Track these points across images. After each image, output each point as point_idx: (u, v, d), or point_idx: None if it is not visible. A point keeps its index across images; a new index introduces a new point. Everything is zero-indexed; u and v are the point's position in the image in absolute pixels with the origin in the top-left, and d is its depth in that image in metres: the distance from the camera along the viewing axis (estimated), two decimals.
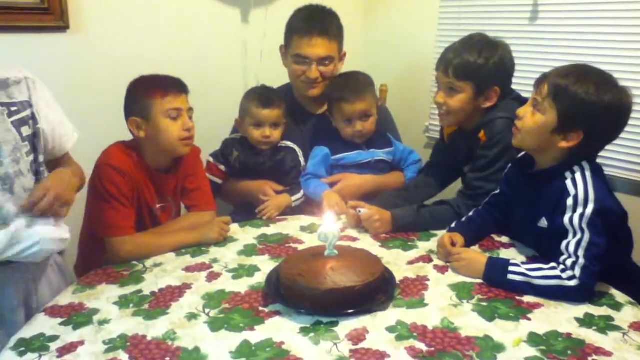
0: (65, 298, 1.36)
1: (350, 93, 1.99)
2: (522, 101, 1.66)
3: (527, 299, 1.33)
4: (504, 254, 1.56)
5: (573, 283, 1.31)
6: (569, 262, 1.33)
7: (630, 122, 1.87)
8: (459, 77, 1.73)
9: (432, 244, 1.63)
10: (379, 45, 2.83)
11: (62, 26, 2.05)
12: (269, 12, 2.47)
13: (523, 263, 1.40)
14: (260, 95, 2.00)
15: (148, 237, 1.61)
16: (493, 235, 1.67)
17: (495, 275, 1.39)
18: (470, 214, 1.69)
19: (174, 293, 1.36)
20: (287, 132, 2.07)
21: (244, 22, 2.50)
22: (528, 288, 1.35)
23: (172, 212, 1.75)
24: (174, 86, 1.65)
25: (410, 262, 1.53)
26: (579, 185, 1.38)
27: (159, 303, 1.32)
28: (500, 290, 1.36)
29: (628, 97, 1.39)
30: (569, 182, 1.40)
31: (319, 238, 1.35)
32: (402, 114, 2.41)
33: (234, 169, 2.04)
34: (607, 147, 1.92)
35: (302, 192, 2.01)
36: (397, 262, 1.52)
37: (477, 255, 1.48)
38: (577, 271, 1.31)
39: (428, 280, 1.42)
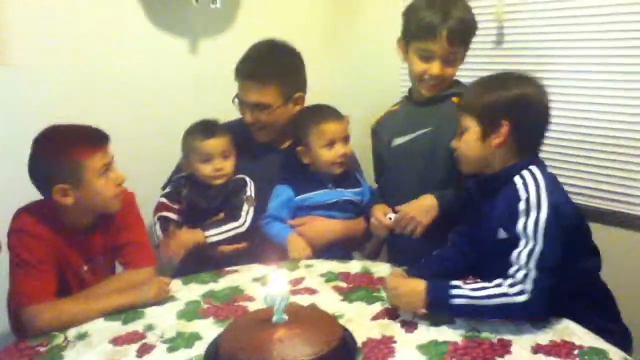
0: None
1: (331, 113, 1.84)
2: None
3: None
4: None
5: (522, 298, 1.20)
6: (519, 275, 1.22)
7: (614, 151, 1.86)
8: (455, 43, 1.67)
9: None
10: (342, 79, 2.68)
11: None
12: (218, 44, 2.31)
13: (466, 283, 1.27)
14: (202, 128, 1.84)
15: (71, 304, 1.38)
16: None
17: (438, 303, 1.26)
18: (436, 252, 1.57)
19: None
20: (241, 166, 1.90)
21: (192, 53, 2.32)
22: (475, 312, 1.23)
23: (103, 272, 1.54)
24: (99, 138, 1.47)
25: (375, 318, 1.35)
26: (530, 188, 1.29)
27: None
28: (477, 351, 1.18)
29: (538, 85, 1.40)
30: (520, 187, 1.31)
31: (264, 301, 1.16)
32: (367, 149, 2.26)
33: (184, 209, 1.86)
34: (592, 178, 1.91)
35: (226, 226, 1.81)
36: (360, 319, 1.34)
37: (414, 284, 1.32)
38: (528, 285, 1.21)
39: (395, 342, 1.24)
